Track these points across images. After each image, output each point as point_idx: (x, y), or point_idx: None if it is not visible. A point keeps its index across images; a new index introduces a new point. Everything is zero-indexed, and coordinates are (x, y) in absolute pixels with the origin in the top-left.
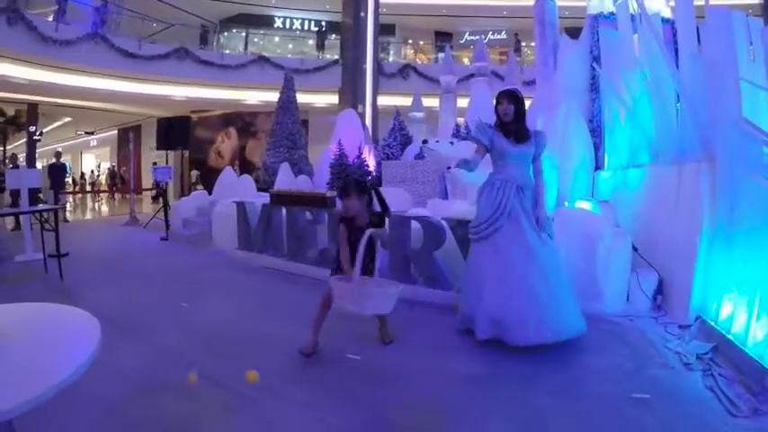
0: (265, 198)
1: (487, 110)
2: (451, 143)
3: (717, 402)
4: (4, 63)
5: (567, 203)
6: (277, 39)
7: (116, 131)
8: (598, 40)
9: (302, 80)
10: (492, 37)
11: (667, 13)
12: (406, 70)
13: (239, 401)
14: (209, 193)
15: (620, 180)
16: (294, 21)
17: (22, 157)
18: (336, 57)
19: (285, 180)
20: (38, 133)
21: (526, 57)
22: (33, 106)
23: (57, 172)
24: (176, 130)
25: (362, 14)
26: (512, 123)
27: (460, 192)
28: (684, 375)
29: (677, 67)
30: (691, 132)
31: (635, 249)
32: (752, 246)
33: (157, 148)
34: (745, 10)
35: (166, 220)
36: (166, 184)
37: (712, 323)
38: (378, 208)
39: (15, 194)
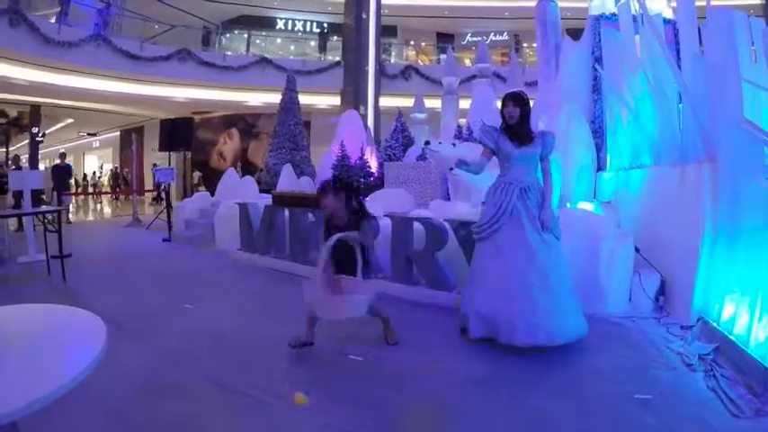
0: (268, 199)
1: (489, 111)
2: (453, 144)
3: (719, 403)
4: (7, 64)
5: (569, 204)
6: (279, 40)
7: (118, 133)
8: (600, 40)
9: (304, 81)
10: (494, 38)
11: (669, 14)
12: (407, 71)
13: (243, 403)
14: (212, 194)
15: (622, 181)
16: (296, 22)
17: (24, 159)
18: (338, 58)
19: (288, 181)
20: (40, 135)
21: (527, 57)
22: (36, 108)
23: (61, 173)
24: (179, 132)
25: (364, 16)
26: (516, 126)
27: (463, 193)
28: (687, 376)
29: (679, 67)
30: (692, 133)
31: (637, 250)
32: (754, 246)
33: (160, 150)
34: (747, 10)
35: (169, 222)
36: (169, 185)
37: (714, 324)
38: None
39: (18, 196)
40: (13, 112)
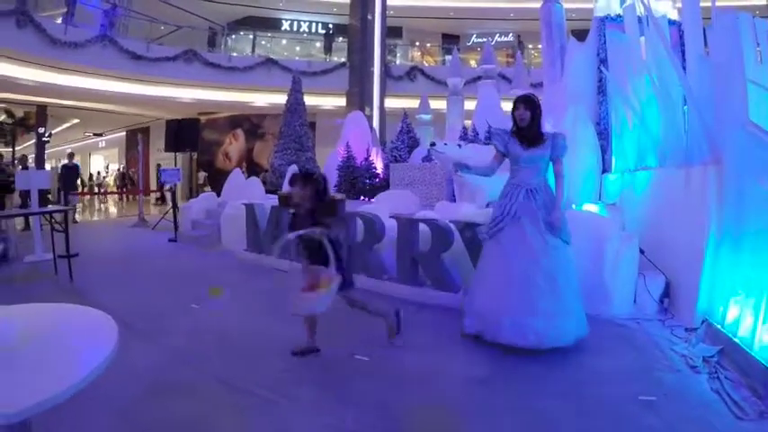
0: (274, 200)
1: (495, 112)
2: (459, 146)
3: (723, 405)
4: (13, 65)
5: (574, 206)
6: (284, 41)
7: (124, 133)
8: (605, 42)
9: (309, 82)
10: (499, 39)
11: (674, 16)
12: (413, 72)
13: (250, 402)
14: (217, 194)
15: (627, 183)
16: (301, 23)
17: (30, 158)
18: (344, 59)
19: None
20: (46, 135)
21: (533, 59)
22: (42, 108)
23: (69, 173)
24: (185, 132)
25: (369, 17)
26: (527, 129)
27: (468, 194)
28: (691, 378)
29: (684, 69)
30: (698, 135)
31: (642, 252)
32: (759, 249)
33: (166, 150)
34: (752, 11)
35: (175, 222)
36: (175, 185)
37: (719, 326)
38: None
39: (25, 195)
40: (19, 113)
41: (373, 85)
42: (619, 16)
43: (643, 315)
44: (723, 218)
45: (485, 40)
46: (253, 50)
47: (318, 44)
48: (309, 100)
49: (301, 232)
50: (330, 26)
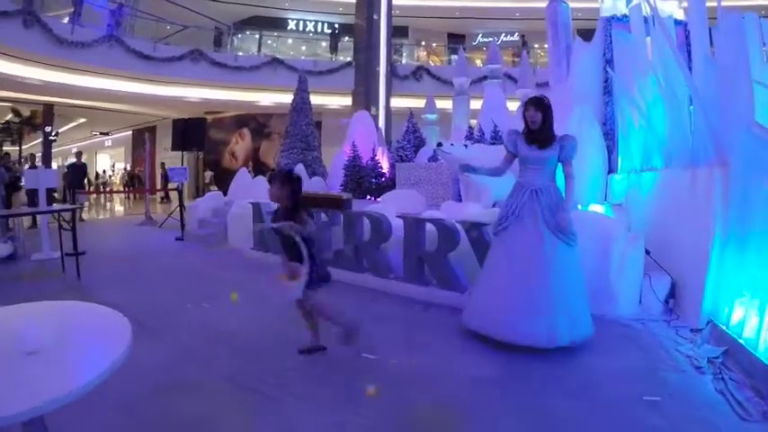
0: None
1: (501, 112)
2: (465, 146)
3: (727, 406)
4: (21, 64)
5: (580, 207)
6: (290, 41)
7: (131, 132)
8: (611, 42)
9: (315, 82)
10: (505, 39)
11: (680, 16)
12: (419, 72)
13: (256, 400)
14: (224, 193)
15: (633, 183)
16: (307, 23)
17: (37, 157)
18: (349, 59)
19: None
20: (53, 134)
21: (538, 58)
22: (49, 107)
23: (77, 171)
24: (192, 132)
25: (375, 16)
26: (537, 130)
27: (474, 194)
28: (695, 379)
29: (690, 69)
30: (703, 136)
31: (648, 253)
32: (764, 249)
33: (173, 149)
34: (758, 12)
35: (182, 221)
36: (182, 184)
37: (724, 327)
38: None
39: (32, 193)
40: (26, 112)
41: (379, 85)
42: (625, 16)
43: (648, 315)
44: (728, 219)
45: (490, 39)
46: (259, 50)
47: (324, 44)
48: (315, 99)
49: (275, 225)
50: (336, 26)
